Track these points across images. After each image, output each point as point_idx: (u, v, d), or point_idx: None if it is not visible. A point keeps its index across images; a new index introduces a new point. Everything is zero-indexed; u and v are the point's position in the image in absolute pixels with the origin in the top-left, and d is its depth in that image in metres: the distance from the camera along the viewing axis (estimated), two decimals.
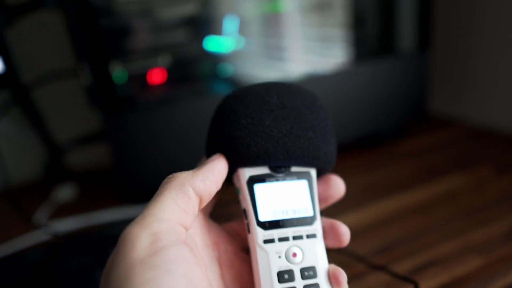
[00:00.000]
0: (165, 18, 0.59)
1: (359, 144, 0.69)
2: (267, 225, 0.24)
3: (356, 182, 0.57)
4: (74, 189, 0.63)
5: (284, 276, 0.23)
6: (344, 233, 0.25)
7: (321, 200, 0.28)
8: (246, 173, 0.25)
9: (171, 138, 0.52)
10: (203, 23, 0.63)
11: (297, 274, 0.23)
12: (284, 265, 0.23)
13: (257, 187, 0.25)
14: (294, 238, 0.24)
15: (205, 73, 0.64)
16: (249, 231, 0.25)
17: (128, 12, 0.56)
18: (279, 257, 0.23)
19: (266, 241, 0.23)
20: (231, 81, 0.64)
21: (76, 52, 0.53)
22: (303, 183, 0.26)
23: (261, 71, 0.68)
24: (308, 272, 0.23)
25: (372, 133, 0.68)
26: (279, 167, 0.25)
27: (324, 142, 0.26)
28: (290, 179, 0.25)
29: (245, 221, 0.25)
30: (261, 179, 0.25)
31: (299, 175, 0.26)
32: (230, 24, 0.64)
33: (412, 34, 0.68)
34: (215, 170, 0.23)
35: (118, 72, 0.54)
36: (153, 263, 0.18)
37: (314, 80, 0.60)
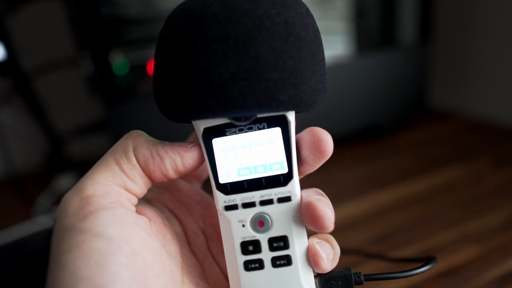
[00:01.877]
0: (165, 7, 0.59)
1: (359, 136, 0.69)
2: (228, 188, 0.20)
3: (356, 173, 0.58)
4: (75, 178, 0.64)
5: (248, 247, 0.20)
6: (322, 216, 0.19)
7: (303, 162, 0.20)
8: (200, 125, 0.19)
9: (171, 128, 0.52)
10: None
11: (264, 245, 0.19)
12: (249, 235, 0.20)
13: (216, 141, 0.19)
14: (262, 203, 0.19)
15: None
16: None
17: (129, 1, 0.56)
18: (243, 226, 0.20)
19: (227, 208, 0.20)
20: None
21: (77, 41, 0.53)
22: (276, 131, 0.19)
23: None
24: (277, 243, 0.19)
25: (372, 125, 0.68)
26: (244, 111, 0.19)
27: (295, 81, 0.18)
28: (258, 128, 0.19)
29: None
30: (219, 131, 0.19)
31: (270, 122, 0.19)
32: None
33: (412, 27, 0.68)
34: (170, 158, 0.19)
35: (119, 62, 0.54)
36: (81, 227, 0.16)
37: None
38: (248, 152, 0.20)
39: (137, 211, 0.19)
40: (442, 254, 0.39)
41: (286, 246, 0.19)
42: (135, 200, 0.19)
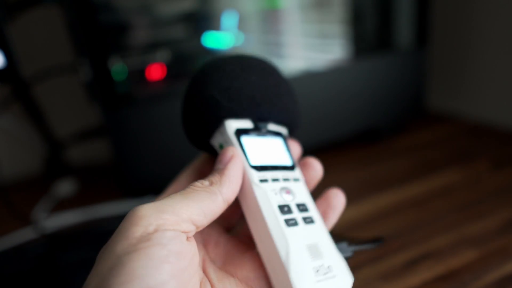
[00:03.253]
0: (164, 13, 0.60)
1: (357, 139, 0.69)
2: (258, 168, 0.25)
3: (354, 177, 0.58)
4: (74, 183, 0.64)
5: (284, 208, 0.24)
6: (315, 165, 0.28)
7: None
8: (232, 124, 0.26)
9: (170, 133, 0.53)
10: (202, 19, 0.64)
11: (294, 208, 0.25)
12: (282, 200, 0.25)
13: (244, 138, 0.26)
14: (284, 179, 0.26)
15: None
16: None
17: (127, 7, 0.56)
18: (276, 194, 0.25)
19: (262, 181, 0.25)
20: None
21: (76, 47, 0.53)
22: (279, 140, 0.28)
23: None
24: (302, 207, 0.25)
25: (370, 129, 0.68)
26: (260, 121, 0.27)
27: (295, 102, 0.29)
28: (269, 136, 0.27)
29: None
30: (246, 131, 0.26)
31: (275, 134, 0.28)
32: (229, 20, 0.64)
33: (409, 31, 0.68)
34: (236, 171, 0.24)
35: (118, 68, 0.54)
36: (149, 237, 0.19)
37: (312, 77, 0.60)
38: (266, 149, 0.27)
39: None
40: (440, 258, 0.40)
41: (307, 209, 0.25)
42: (195, 231, 0.22)
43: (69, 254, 0.43)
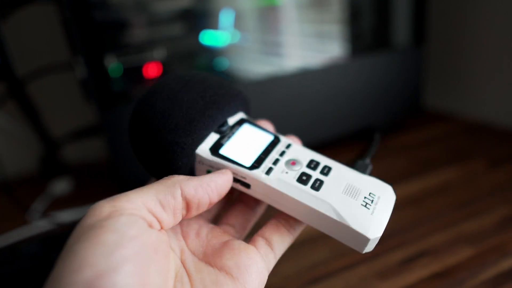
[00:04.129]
0: (160, 11, 0.59)
1: (354, 138, 0.69)
2: (254, 163, 0.25)
3: None
4: (70, 182, 0.63)
5: (302, 178, 0.25)
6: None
7: None
8: (204, 149, 0.26)
9: None
10: (199, 17, 0.63)
11: (308, 171, 0.25)
12: (294, 173, 0.25)
13: (222, 151, 0.26)
14: (281, 154, 0.26)
15: (201, 67, 0.64)
16: (249, 187, 0.26)
17: (123, 5, 0.56)
18: (286, 172, 0.25)
19: (267, 172, 0.25)
20: (226, 75, 0.64)
21: (71, 45, 0.53)
22: (246, 126, 0.28)
23: (257, 65, 0.68)
24: (313, 164, 0.26)
25: (367, 127, 0.68)
26: (222, 126, 0.27)
27: (233, 88, 0.28)
28: (237, 130, 0.27)
29: (241, 188, 0.26)
30: (219, 145, 0.26)
31: (239, 123, 0.28)
32: (226, 18, 0.64)
33: (407, 29, 0.68)
34: (213, 182, 0.24)
35: (114, 66, 0.54)
36: (102, 224, 0.18)
37: (309, 75, 0.60)
38: (244, 144, 0.27)
39: None
40: (437, 255, 0.39)
41: (318, 162, 0.26)
42: (157, 225, 0.21)
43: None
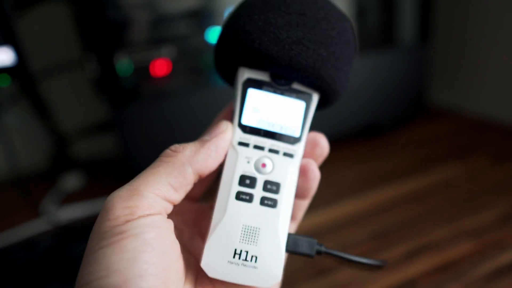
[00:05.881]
0: (169, 10, 0.60)
1: (359, 134, 0.70)
2: (247, 129, 0.23)
3: (356, 171, 0.59)
4: (81, 178, 0.65)
5: (245, 180, 0.22)
6: (314, 176, 0.24)
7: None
8: (245, 73, 0.24)
9: (176, 128, 0.54)
10: (206, 15, 0.64)
11: (260, 184, 0.22)
12: (250, 171, 0.23)
13: (251, 91, 0.24)
14: (270, 150, 0.23)
15: (209, 65, 0.65)
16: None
17: (133, 4, 0.57)
18: (248, 162, 0.23)
19: (240, 143, 0.23)
20: None
21: (83, 43, 0.54)
22: (301, 103, 0.24)
23: None
24: (271, 186, 0.23)
25: (372, 124, 0.69)
26: (280, 78, 0.24)
27: (335, 66, 0.23)
28: (288, 95, 0.24)
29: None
30: (258, 84, 0.24)
31: (299, 95, 0.24)
32: None
33: (412, 26, 0.69)
34: (219, 147, 0.22)
35: (124, 64, 0.55)
36: (121, 229, 0.18)
37: None
38: (273, 110, 0.24)
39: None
40: (439, 249, 0.41)
41: (277, 191, 0.23)
42: (171, 208, 0.21)
43: (77, 246, 0.44)
